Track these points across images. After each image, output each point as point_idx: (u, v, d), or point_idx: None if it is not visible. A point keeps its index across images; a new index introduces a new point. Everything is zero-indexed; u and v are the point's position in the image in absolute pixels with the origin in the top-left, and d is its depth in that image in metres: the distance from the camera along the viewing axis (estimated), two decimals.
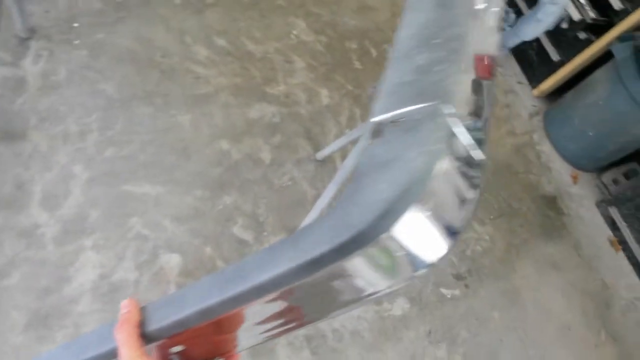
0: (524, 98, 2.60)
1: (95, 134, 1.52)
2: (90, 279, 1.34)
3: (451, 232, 0.37)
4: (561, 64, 2.42)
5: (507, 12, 0.98)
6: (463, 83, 0.46)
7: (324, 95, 2.01)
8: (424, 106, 0.44)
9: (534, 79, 2.60)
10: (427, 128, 0.41)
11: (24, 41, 1.54)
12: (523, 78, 2.67)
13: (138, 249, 1.42)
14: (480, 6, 0.55)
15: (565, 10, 0.76)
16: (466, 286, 1.77)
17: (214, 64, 1.84)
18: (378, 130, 0.46)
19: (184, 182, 1.56)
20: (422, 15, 0.55)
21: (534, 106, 2.59)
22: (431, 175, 0.36)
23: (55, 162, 1.44)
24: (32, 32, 1.56)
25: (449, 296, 1.71)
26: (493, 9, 0.57)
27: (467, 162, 0.41)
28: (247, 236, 1.56)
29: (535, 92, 2.59)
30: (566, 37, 2.34)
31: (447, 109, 0.42)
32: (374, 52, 2.25)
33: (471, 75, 0.46)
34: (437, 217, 0.36)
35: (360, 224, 0.34)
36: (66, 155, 1.46)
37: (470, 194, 0.39)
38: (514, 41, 0.90)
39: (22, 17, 1.46)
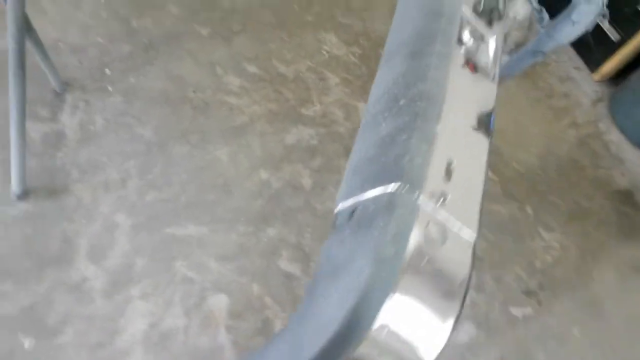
0: (583, 84, 2.39)
1: (136, 180, 1.52)
2: (141, 329, 1.33)
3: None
4: (622, 42, 2.20)
5: (540, 12, 0.87)
6: (432, 157, 0.38)
7: (362, 110, 1.92)
8: (380, 193, 0.36)
9: (593, 62, 2.39)
10: (380, 225, 0.33)
11: (59, 95, 1.57)
12: (580, 62, 2.46)
13: (185, 293, 1.39)
14: (465, 45, 0.46)
15: (604, 7, 0.66)
16: (538, 302, 1.62)
17: (246, 92, 1.80)
18: (334, 223, 0.38)
19: (226, 218, 1.53)
20: (393, 69, 0.47)
21: (596, 92, 2.38)
22: (385, 292, 0.29)
23: (98, 212, 1.44)
24: (66, 85, 1.58)
25: (519, 316, 1.57)
26: (491, 42, 0.48)
27: (437, 266, 0.33)
28: (294, 269, 1.50)
29: (596, 76, 2.38)
30: (624, 12, 2.13)
31: (408, 196, 0.34)
32: None
33: (443, 144, 0.38)
34: (401, 339, 0.29)
35: (309, 353, 0.28)
36: (109, 205, 1.46)
37: (447, 305, 0.31)
38: (550, 45, 0.80)
39: (52, 72, 1.48)
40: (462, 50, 0.47)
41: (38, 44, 1.33)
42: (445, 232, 0.37)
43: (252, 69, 1.87)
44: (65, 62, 1.64)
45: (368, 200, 0.37)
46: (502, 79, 1.02)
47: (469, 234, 0.37)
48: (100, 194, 1.47)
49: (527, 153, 2.08)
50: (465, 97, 0.44)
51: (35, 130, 1.49)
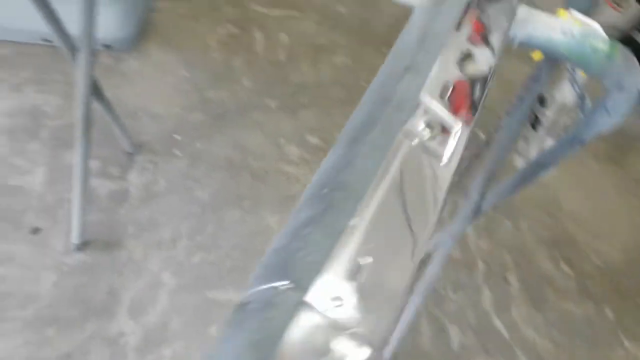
0: None
1: (186, 240, 1.57)
2: None
3: None
4: None
5: (582, 98, 0.80)
6: (334, 254, 0.33)
7: None
8: (267, 287, 0.32)
9: None
10: (254, 326, 0.30)
11: (131, 156, 1.70)
12: None
13: None
14: (418, 134, 0.42)
15: None
16: None
17: (305, 162, 1.83)
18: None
19: None
20: (331, 156, 0.43)
21: None
22: None
23: (146, 269, 1.49)
24: (138, 148, 1.71)
25: None
26: (454, 132, 0.44)
27: None
28: None
29: None
30: None
31: (291, 296, 0.30)
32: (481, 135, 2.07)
33: (352, 247, 0.34)
34: None
35: None
36: (157, 263, 1.51)
37: None
38: (588, 134, 0.72)
39: (125, 135, 1.61)
40: (414, 140, 0.42)
41: (109, 110, 1.47)
42: (329, 341, 0.32)
43: (313, 140, 1.90)
44: (141, 127, 1.78)
45: (258, 294, 0.33)
46: (542, 167, 0.94)
47: (363, 352, 0.32)
48: (151, 251, 1.53)
49: (609, 246, 1.87)
50: (398, 189, 0.40)
51: (104, 186, 1.61)
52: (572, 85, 0.87)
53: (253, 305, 0.33)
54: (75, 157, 1.33)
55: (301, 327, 0.31)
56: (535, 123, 1.02)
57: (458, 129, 0.45)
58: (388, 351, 1.19)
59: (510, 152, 1.09)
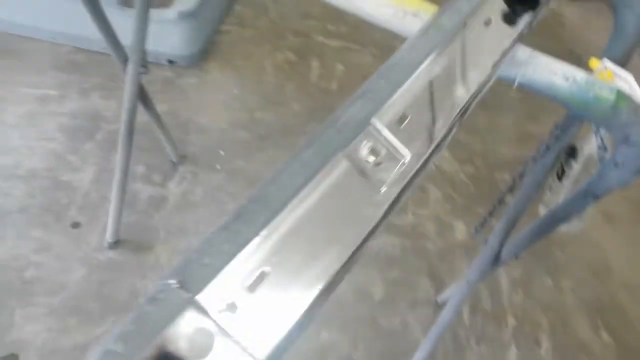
0: None
1: None
2: None
3: None
4: None
5: (603, 150, 0.74)
6: (234, 262, 0.34)
7: (460, 230, 1.80)
8: (158, 284, 0.33)
9: None
10: (134, 316, 0.30)
11: (174, 165, 1.78)
12: None
13: None
14: (359, 158, 0.41)
15: None
16: None
17: None
18: None
19: None
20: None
21: None
22: None
23: None
24: (183, 158, 1.79)
25: None
26: (403, 162, 0.43)
27: None
28: None
29: None
30: None
31: (176, 293, 0.31)
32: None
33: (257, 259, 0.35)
34: None
35: None
36: None
37: None
38: (601, 189, 0.66)
39: (171, 145, 1.70)
40: (348, 163, 0.42)
41: (157, 119, 1.55)
42: (211, 345, 0.32)
43: None
44: (189, 139, 1.87)
45: (150, 290, 0.34)
46: (559, 220, 0.88)
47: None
48: (177, 257, 1.58)
49: None
50: (321, 210, 0.39)
51: (145, 191, 1.70)
52: (595, 135, 0.82)
53: (141, 299, 0.34)
54: (116, 160, 1.42)
55: (184, 326, 0.31)
56: (561, 173, 0.97)
57: (405, 160, 0.44)
58: None
59: (534, 200, 1.04)
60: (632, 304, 1.77)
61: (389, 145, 0.43)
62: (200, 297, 0.32)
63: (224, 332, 0.32)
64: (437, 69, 0.51)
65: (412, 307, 1.59)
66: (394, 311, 1.57)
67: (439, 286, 1.65)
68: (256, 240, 0.35)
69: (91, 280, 1.49)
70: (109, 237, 1.53)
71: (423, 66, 0.50)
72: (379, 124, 0.44)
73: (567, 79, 0.61)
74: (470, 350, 1.58)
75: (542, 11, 0.65)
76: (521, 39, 0.62)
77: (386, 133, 0.44)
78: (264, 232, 0.36)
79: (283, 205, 0.37)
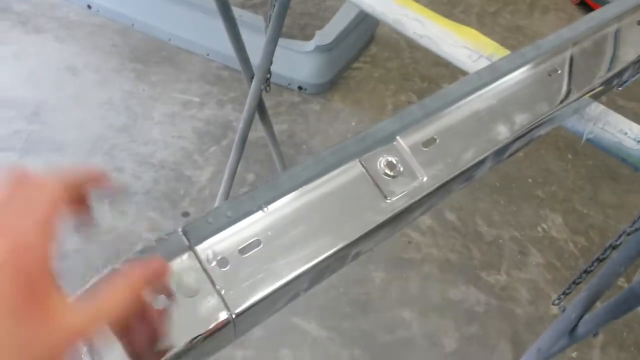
0: None
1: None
2: None
3: None
4: None
5: None
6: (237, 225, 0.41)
7: (552, 300, 1.66)
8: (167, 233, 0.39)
9: None
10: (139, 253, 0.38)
11: None
12: None
13: None
14: (377, 161, 0.44)
15: None
16: None
17: (433, 234, 1.81)
18: None
19: (348, 335, 1.52)
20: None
21: None
22: None
23: None
24: None
25: None
26: (419, 180, 0.45)
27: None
28: None
29: None
30: None
31: (178, 239, 0.39)
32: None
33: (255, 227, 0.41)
34: None
35: None
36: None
37: None
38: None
39: (280, 161, 1.83)
40: (362, 169, 0.45)
41: (271, 135, 1.69)
42: (197, 288, 0.38)
43: (450, 216, 1.87)
44: (298, 159, 1.99)
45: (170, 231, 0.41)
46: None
47: (220, 313, 0.37)
48: None
49: None
50: (325, 202, 0.43)
51: None
52: None
53: (149, 242, 0.41)
54: (228, 163, 1.58)
55: (178, 267, 0.38)
56: None
57: (422, 179, 0.46)
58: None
59: (622, 275, 0.95)
60: None
61: (406, 163, 0.46)
62: (197, 247, 0.38)
63: (210, 281, 0.38)
64: (481, 105, 0.52)
65: None
66: None
67: (519, 354, 1.53)
68: (258, 214, 0.41)
69: None
70: None
71: (467, 99, 0.52)
72: (402, 142, 0.47)
73: (638, 142, 0.58)
74: None
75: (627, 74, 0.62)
76: (594, 95, 0.60)
77: (407, 151, 0.46)
78: (265, 208, 0.41)
79: (289, 190, 0.42)
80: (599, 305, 0.98)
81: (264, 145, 1.89)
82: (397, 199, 0.44)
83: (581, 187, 2.05)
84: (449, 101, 0.50)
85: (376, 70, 2.47)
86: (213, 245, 0.39)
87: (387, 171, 0.45)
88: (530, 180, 2.06)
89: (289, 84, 2.25)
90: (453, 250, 1.77)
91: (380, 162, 0.46)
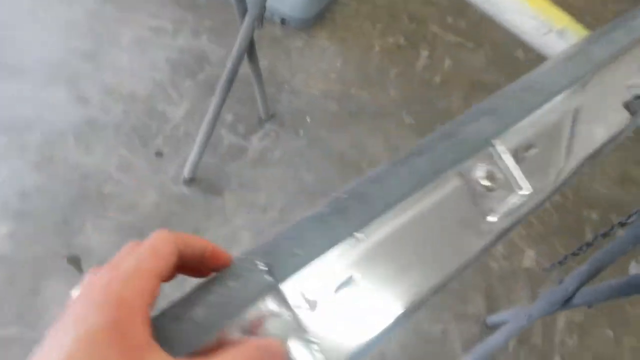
0: None
1: (275, 213, 1.63)
2: None
3: None
4: None
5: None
6: (327, 261, 0.34)
7: (528, 257, 1.71)
8: (244, 259, 0.33)
9: None
10: (218, 287, 0.33)
11: (261, 121, 1.81)
12: None
13: None
14: (475, 172, 0.38)
15: None
16: None
17: None
18: None
19: None
20: (377, 169, 0.41)
21: None
22: None
23: (231, 222, 1.59)
24: (271, 117, 1.82)
25: None
26: (515, 193, 0.39)
27: None
28: None
29: None
30: None
31: (260, 275, 0.33)
32: (619, 232, 1.82)
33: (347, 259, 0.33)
34: None
35: None
36: (243, 221, 1.59)
37: None
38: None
39: (263, 102, 1.72)
40: (460, 181, 0.39)
41: (257, 74, 1.57)
42: (286, 336, 0.31)
43: None
44: (280, 99, 1.89)
45: (237, 262, 0.34)
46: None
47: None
48: (242, 209, 1.62)
49: None
50: (423, 224, 0.37)
51: (228, 138, 1.74)
52: None
53: (226, 272, 0.33)
54: (212, 103, 1.46)
55: (261, 311, 0.31)
56: None
57: (523, 193, 0.40)
58: None
59: (623, 256, 0.95)
60: None
61: (507, 173, 0.39)
62: (283, 286, 0.31)
63: (300, 328, 0.31)
64: (578, 102, 0.45)
65: (458, 318, 1.53)
66: (439, 317, 1.53)
67: (492, 308, 1.58)
68: (350, 241, 0.34)
69: (161, 208, 1.56)
70: (186, 173, 1.60)
71: (564, 95, 0.45)
72: (501, 148, 0.40)
73: None
74: None
75: None
76: None
77: (507, 159, 0.40)
78: (360, 235, 0.34)
79: (385, 208, 0.35)
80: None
81: (242, 82, 1.76)
82: (499, 218, 0.38)
83: None
84: (545, 95, 0.43)
85: (363, 6, 2.32)
86: (301, 283, 0.32)
87: (486, 183, 0.39)
88: None
89: (272, 15, 2.08)
90: None
91: (479, 172, 0.39)
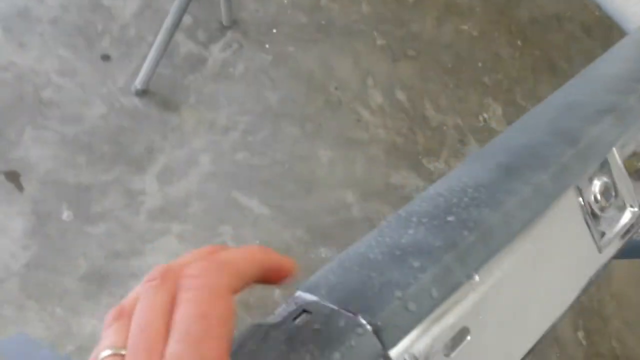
0: None
1: (237, 134, 1.52)
2: (160, 263, 1.32)
3: None
4: None
5: None
6: (439, 310, 0.26)
7: None
8: (337, 311, 0.26)
9: None
10: (309, 348, 0.23)
11: (223, 28, 1.62)
12: None
13: None
14: (585, 197, 0.32)
15: None
16: None
17: (382, 114, 1.72)
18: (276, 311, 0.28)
19: (291, 214, 1.47)
20: (472, 172, 0.34)
21: None
22: None
23: (190, 144, 1.46)
24: (233, 23, 1.64)
25: None
26: (626, 213, 0.33)
27: None
28: None
29: None
30: None
31: (367, 338, 0.24)
32: None
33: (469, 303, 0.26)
34: None
35: None
36: (202, 142, 1.48)
37: None
38: None
39: (227, 7, 1.53)
40: (579, 200, 0.33)
41: None
42: None
43: (400, 96, 1.78)
44: (246, 5, 1.69)
45: (323, 309, 0.26)
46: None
47: None
48: (202, 129, 1.49)
49: None
50: (535, 256, 0.31)
51: (185, 46, 1.56)
52: None
53: (313, 323, 0.26)
54: (173, 5, 1.27)
55: None
56: None
57: (635, 216, 0.34)
58: None
59: None
60: None
61: (621, 186, 0.34)
62: (394, 352, 0.25)
63: None
64: None
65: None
66: None
67: None
68: (466, 288, 0.27)
69: (109, 122, 1.40)
70: (138, 83, 1.42)
71: None
72: (619, 159, 0.34)
73: None
74: None
75: None
76: None
77: (622, 170, 0.34)
78: (477, 278, 0.28)
79: (504, 243, 0.29)
80: None
81: None
82: (612, 245, 0.33)
83: (524, 78, 2.05)
84: None
85: None
86: (412, 345, 0.26)
87: (600, 200, 0.33)
88: (480, 64, 2.00)
89: None
90: (399, 133, 1.72)
91: (595, 187, 0.33)
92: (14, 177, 1.27)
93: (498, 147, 0.37)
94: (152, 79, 1.43)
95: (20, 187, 1.27)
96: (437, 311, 0.27)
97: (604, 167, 0.34)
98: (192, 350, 0.21)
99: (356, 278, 0.28)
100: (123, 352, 0.22)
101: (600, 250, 0.33)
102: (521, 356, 0.29)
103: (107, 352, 0.22)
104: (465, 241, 0.29)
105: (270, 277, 0.28)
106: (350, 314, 0.26)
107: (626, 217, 0.34)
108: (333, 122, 1.64)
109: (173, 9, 1.26)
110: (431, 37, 1.94)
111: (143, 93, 1.45)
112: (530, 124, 0.39)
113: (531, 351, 0.30)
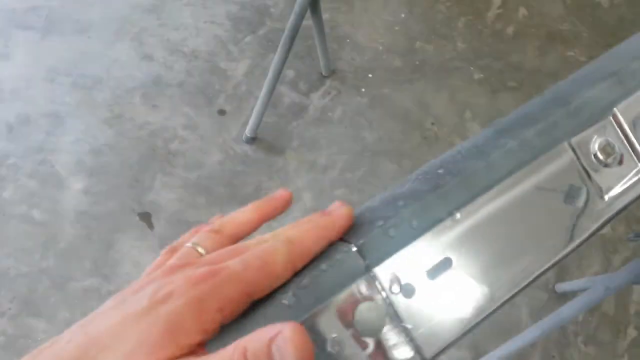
0: None
1: (335, 172, 1.61)
2: None
3: None
4: None
5: None
6: (421, 241, 0.30)
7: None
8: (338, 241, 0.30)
9: None
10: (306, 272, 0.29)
11: (322, 78, 1.77)
12: None
13: None
14: (584, 155, 0.33)
15: None
16: None
17: None
18: None
19: None
20: (474, 137, 0.37)
21: None
22: None
23: (293, 182, 1.59)
24: (332, 73, 1.77)
25: None
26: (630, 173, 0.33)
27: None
28: None
29: None
30: None
31: (354, 259, 0.29)
32: None
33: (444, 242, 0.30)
34: None
35: None
36: (304, 181, 1.59)
37: None
38: None
39: (325, 58, 1.67)
40: (572, 155, 0.34)
41: (319, 29, 1.52)
42: (379, 324, 0.29)
43: None
44: (342, 55, 1.83)
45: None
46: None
47: (406, 352, 0.29)
48: (304, 168, 1.61)
49: None
50: (527, 203, 0.33)
51: (288, 96, 1.72)
52: None
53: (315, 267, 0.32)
54: (273, 61, 1.43)
55: (354, 296, 0.29)
56: None
57: (636, 173, 0.35)
58: None
59: None
60: None
61: (628, 146, 0.35)
62: (376, 269, 0.29)
63: (395, 315, 0.29)
64: None
65: None
66: None
67: (561, 274, 1.52)
68: (447, 222, 0.31)
69: (225, 167, 1.59)
70: (248, 131, 1.60)
71: None
72: (623, 116, 0.35)
73: None
74: (576, 347, 1.46)
75: None
76: None
77: (628, 130, 0.35)
78: (457, 215, 0.31)
79: (487, 187, 0.32)
80: None
81: (303, 37, 1.72)
82: (616, 197, 0.34)
83: None
84: None
85: None
86: (396, 267, 0.30)
87: (602, 157, 0.34)
88: None
89: None
90: None
91: (594, 144, 0.34)
92: (146, 218, 1.49)
93: (501, 119, 0.40)
94: (259, 127, 1.59)
95: (151, 226, 1.48)
96: (420, 241, 0.30)
97: (606, 127, 0.35)
98: (260, 263, 0.27)
99: (357, 218, 0.33)
100: (201, 249, 0.30)
101: (601, 202, 0.34)
102: (504, 299, 0.31)
103: (189, 244, 0.30)
104: (449, 184, 0.32)
105: None
106: (339, 240, 0.31)
107: (634, 172, 0.35)
108: (430, 157, 1.66)
109: (273, 64, 1.42)
110: (534, 67, 1.90)
111: (252, 140, 1.62)
112: (537, 98, 0.42)
113: (515, 296, 0.32)
